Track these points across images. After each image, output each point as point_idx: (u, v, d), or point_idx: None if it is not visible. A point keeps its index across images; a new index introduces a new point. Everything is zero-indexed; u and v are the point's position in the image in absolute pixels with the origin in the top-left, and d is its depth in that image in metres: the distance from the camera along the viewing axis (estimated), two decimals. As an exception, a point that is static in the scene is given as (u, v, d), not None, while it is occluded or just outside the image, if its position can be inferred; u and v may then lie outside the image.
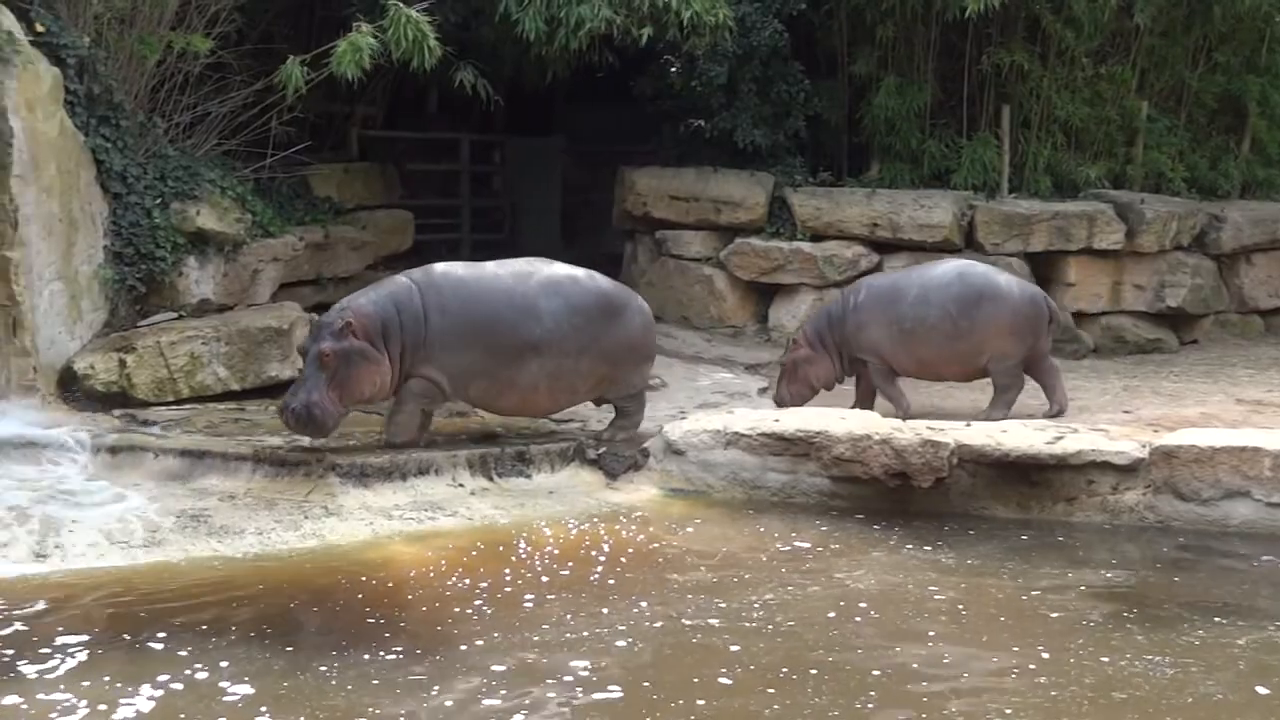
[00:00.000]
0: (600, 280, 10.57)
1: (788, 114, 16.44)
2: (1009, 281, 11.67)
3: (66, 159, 11.25)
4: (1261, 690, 6.56)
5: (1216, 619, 7.56)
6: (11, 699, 6.04)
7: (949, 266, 11.79)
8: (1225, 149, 17.52)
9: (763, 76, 16.34)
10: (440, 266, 10.39)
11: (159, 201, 12.20)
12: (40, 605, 7.38)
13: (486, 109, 15.67)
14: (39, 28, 11.27)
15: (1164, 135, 16.83)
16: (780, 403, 11.49)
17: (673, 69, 16.80)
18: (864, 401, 11.54)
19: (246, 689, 6.25)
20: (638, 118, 17.82)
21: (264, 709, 6.07)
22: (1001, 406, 11.46)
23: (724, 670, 6.72)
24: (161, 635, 6.94)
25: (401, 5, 12.42)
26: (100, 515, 8.79)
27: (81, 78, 11.61)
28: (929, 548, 8.87)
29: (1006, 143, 15.80)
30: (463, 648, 6.92)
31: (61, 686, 6.24)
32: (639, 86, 17.31)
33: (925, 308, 11.33)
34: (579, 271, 10.54)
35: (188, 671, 6.42)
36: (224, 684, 6.29)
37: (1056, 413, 11.50)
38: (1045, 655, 6.98)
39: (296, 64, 12.59)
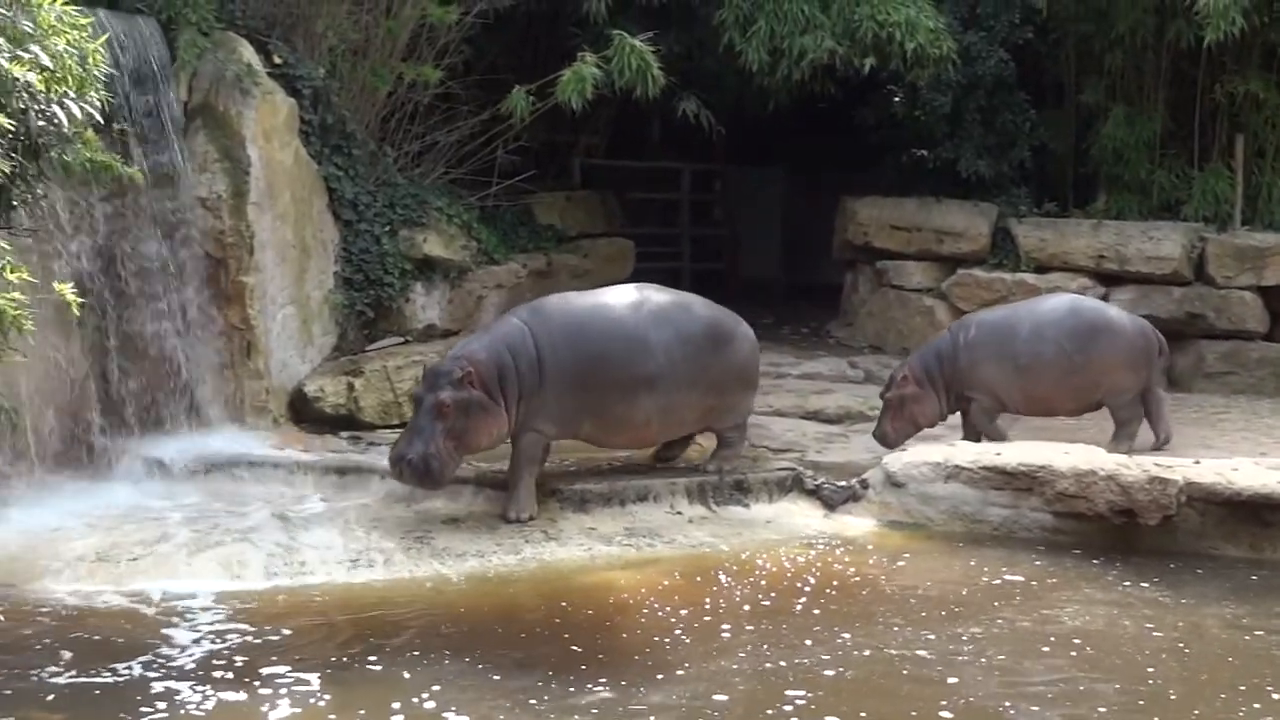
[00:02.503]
0: (709, 307, 10.27)
1: (1012, 144, 16.24)
2: (1120, 315, 11.51)
3: (300, 187, 11.58)
4: None
5: None
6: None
7: (1060, 301, 11.58)
8: None
9: (987, 106, 16.18)
10: (551, 303, 10.00)
11: (388, 229, 12.48)
12: (276, 625, 7.56)
13: (708, 138, 15.74)
14: (276, 59, 11.63)
15: None
16: (885, 439, 11.13)
17: (895, 99, 16.72)
18: (971, 437, 11.29)
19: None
20: (859, 147, 17.76)
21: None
22: (1125, 439, 11.23)
23: (944, 702, 6.65)
24: (387, 658, 7.06)
25: (626, 36, 12.56)
26: (328, 535, 8.99)
27: (316, 108, 11.95)
28: (1148, 585, 8.66)
29: (1240, 173, 15.38)
30: (679, 673, 6.95)
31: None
32: (861, 116, 17.27)
33: (1040, 343, 11.07)
34: (687, 298, 10.30)
35: (414, 700, 6.49)
36: (446, 715, 6.34)
37: (1163, 443, 11.33)
38: (1275, 696, 6.81)
39: (522, 94, 12.81)
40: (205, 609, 7.78)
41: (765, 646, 7.40)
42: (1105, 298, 14.90)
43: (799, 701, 6.58)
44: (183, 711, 6.27)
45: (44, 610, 7.63)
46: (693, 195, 20.58)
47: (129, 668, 6.81)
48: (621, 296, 10.02)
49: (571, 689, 6.69)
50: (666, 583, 8.52)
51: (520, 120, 13.03)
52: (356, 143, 12.47)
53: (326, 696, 6.51)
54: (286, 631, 7.46)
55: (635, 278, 17.01)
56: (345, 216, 12.18)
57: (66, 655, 6.95)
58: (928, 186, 16.41)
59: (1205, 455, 10.32)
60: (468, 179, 14.19)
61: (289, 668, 6.85)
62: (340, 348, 12.09)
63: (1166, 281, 14.77)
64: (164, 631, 7.38)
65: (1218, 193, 15.36)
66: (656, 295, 10.08)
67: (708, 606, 8.08)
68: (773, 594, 8.37)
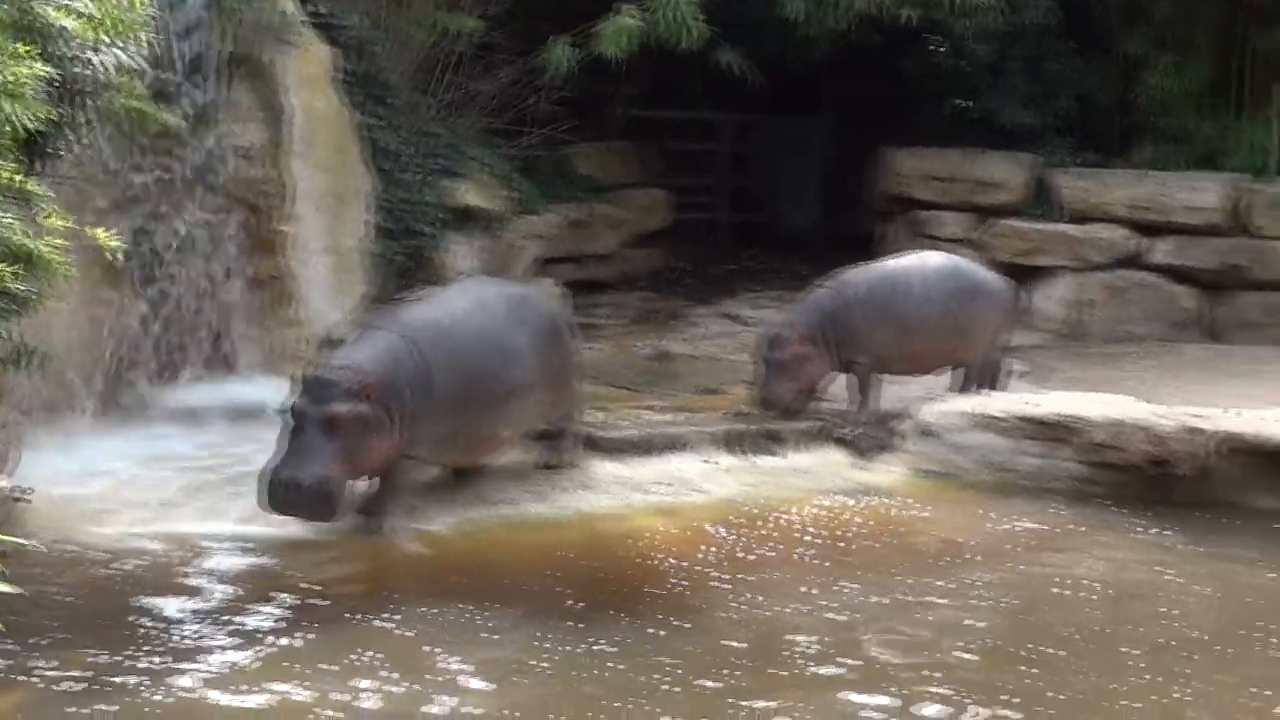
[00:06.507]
0: (540, 297, 9.74)
1: (1056, 94, 16.12)
2: (992, 274, 11.50)
3: (339, 136, 11.64)
4: None
5: None
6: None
7: (936, 261, 11.34)
8: None
9: (1033, 55, 16.06)
10: (417, 314, 8.77)
11: (425, 179, 12.51)
12: (303, 569, 7.67)
13: (750, 88, 15.72)
14: (316, 9, 11.66)
15: None
16: (777, 401, 10.60)
17: (939, 48, 16.61)
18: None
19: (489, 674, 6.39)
20: (902, 97, 17.66)
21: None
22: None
23: (960, 643, 6.77)
24: (402, 606, 7.12)
25: (668, -14, 12.57)
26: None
27: (355, 57, 11.98)
28: (1171, 534, 8.75)
29: (1278, 123, 15.25)
30: (699, 620, 7.05)
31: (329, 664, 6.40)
32: (904, 66, 17.15)
33: (929, 305, 10.84)
34: (518, 290, 9.66)
35: (424, 649, 6.56)
36: (455, 662, 6.38)
37: None
38: None
39: (562, 45, 12.82)
40: (234, 552, 7.89)
41: (784, 594, 7.48)
42: (1147, 249, 14.90)
43: (813, 648, 6.68)
44: (178, 646, 6.43)
45: (80, 555, 7.71)
46: (733, 146, 20.55)
47: (160, 609, 6.94)
48: (471, 298, 9.06)
49: (591, 636, 6.76)
50: (696, 531, 8.58)
51: (561, 72, 13.06)
52: (395, 92, 12.51)
53: (327, 645, 6.56)
54: (313, 575, 7.56)
55: (674, 229, 17.16)
56: (383, 166, 12.22)
57: (101, 598, 7.08)
58: (970, 137, 16.28)
59: (1243, 406, 10.29)
60: (506, 129, 14.22)
61: (297, 614, 6.95)
62: (378, 298, 12.14)
63: (1207, 232, 14.69)
64: (191, 575, 7.51)
65: (1260, 143, 15.25)
66: (494, 290, 9.29)
67: (732, 555, 8.17)
68: (799, 543, 8.45)
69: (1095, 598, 7.49)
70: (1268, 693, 6.25)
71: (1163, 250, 14.83)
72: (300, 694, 5.98)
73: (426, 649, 6.55)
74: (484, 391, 8.62)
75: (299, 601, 7.16)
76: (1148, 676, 6.42)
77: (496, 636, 6.78)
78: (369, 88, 12.17)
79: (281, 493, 7.81)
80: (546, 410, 9.28)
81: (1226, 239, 14.69)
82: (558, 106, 14.51)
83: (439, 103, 13.47)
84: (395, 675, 6.20)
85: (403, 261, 12.26)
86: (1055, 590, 7.61)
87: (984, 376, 11.18)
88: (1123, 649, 6.73)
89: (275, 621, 6.85)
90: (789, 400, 10.60)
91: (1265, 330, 14.56)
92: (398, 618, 6.94)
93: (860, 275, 11.10)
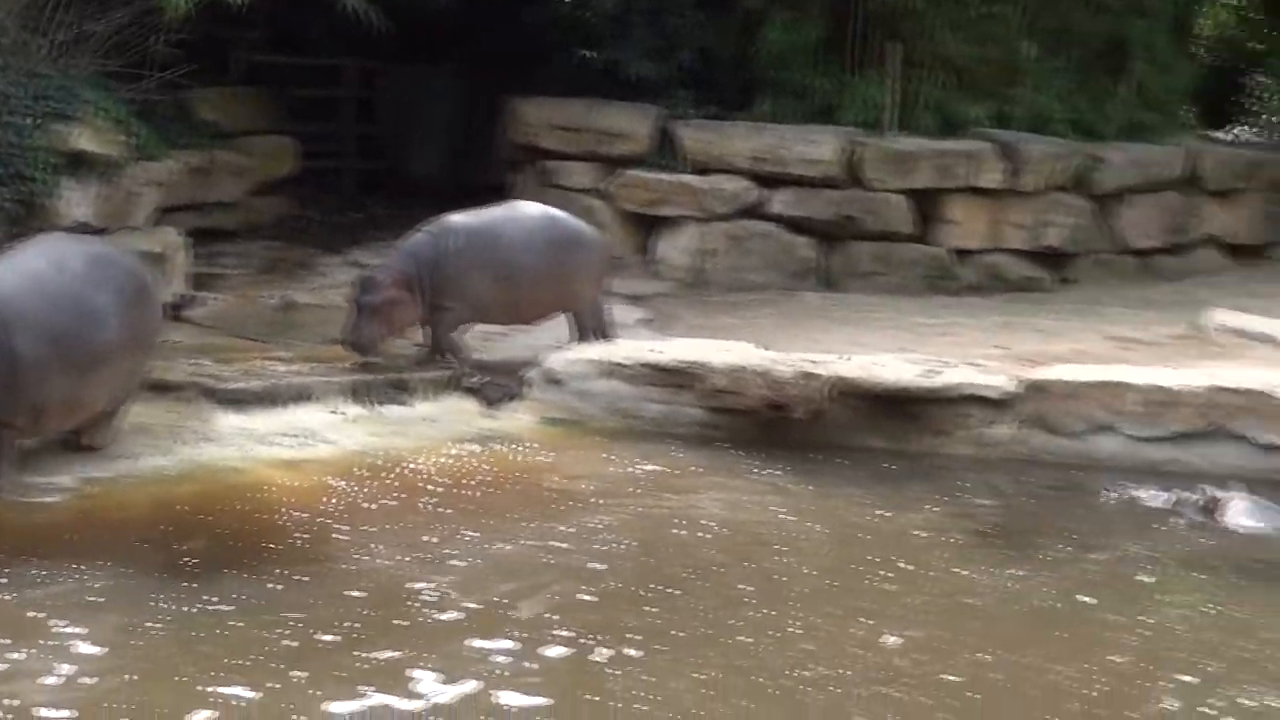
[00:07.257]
0: (125, 256, 9.36)
1: (678, 46, 16.39)
2: (589, 228, 11.86)
3: (-61, 76, 11.06)
4: (1088, 599, 7.08)
5: (1070, 542, 8.00)
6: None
7: (535, 211, 11.62)
8: (1108, 91, 17.63)
9: (655, 8, 16.27)
10: None
11: (36, 122, 11.98)
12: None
13: (377, 35, 15.53)
14: (-91, -60, 11.04)
15: (1048, 76, 16.94)
16: (371, 346, 10.65)
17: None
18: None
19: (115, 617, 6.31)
20: (529, 47, 17.71)
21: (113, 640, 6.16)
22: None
23: (583, 586, 6.95)
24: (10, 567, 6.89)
25: (290, -73, 12.29)
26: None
27: (-44, -8, 11.39)
28: (783, 474, 9.13)
29: (893, 80, 15.82)
30: (318, 570, 7.10)
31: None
32: (530, 15, 17.20)
33: (528, 254, 11.06)
34: (101, 249, 9.16)
35: (29, 615, 6.37)
36: (59, 625, 6.25)
37: None
38: (902, 565, 7.42)
39: (180, -15, 12.43)
40: None
41: (408, 544, 7.53)
42: (766, 199, 15.31)
43: (435, 596, 6.75)
44: None
45: None
46: (359, 93, 20.29)
47: None
48: (50, 259, 8.49)
49: (207, 594, 6.66)
50: (319, 483, 8.54)
51: (178, 13, 12.65)
52: (1, 31, 11.92)
53: None
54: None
55: (301, 177, 16.87)
56: (-12, 108, 11.67)
57: None
58: (599, 88, 16.42)
59: (855, 351, 10.71)
60: (123, 72, 13.71)
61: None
62: (-14, 246, 11.61)
63: (822, 184, 15.17)
64: None
65: (873, 99, 15.81)
66: (74, 249, 8.76)
67: (355, 505, 8.16)
68: (424, 492, 8.50)
69: (712, 537, 7.77)
70: (873, 623, 6.59)
71: (781, 201, 15.24)
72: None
73: (34, 615, 6.35)
74: (69, 356, 8.20)
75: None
76: (763, 611, 6.70)
77: (105, 599, 6.61)
78: (-28, 25, 11.60)
79: None
80: (129, 377, 8.88)
81: (841, 191, 15.18)
82: (177, 49, 14.04)
83: (50, 43, 12.86)
84: (4, 643, 6.00)
85: (13, 208, 11.71)
86: (674, 531, 7.86)
87: (594, 325, 11.35)
88: (739, 586, 7.01)
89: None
90: (375, 342, 10.61)
91: (875, 279, 15.16)
92: (2, 583, 6.69)
93: (460, 222, 11.11)
